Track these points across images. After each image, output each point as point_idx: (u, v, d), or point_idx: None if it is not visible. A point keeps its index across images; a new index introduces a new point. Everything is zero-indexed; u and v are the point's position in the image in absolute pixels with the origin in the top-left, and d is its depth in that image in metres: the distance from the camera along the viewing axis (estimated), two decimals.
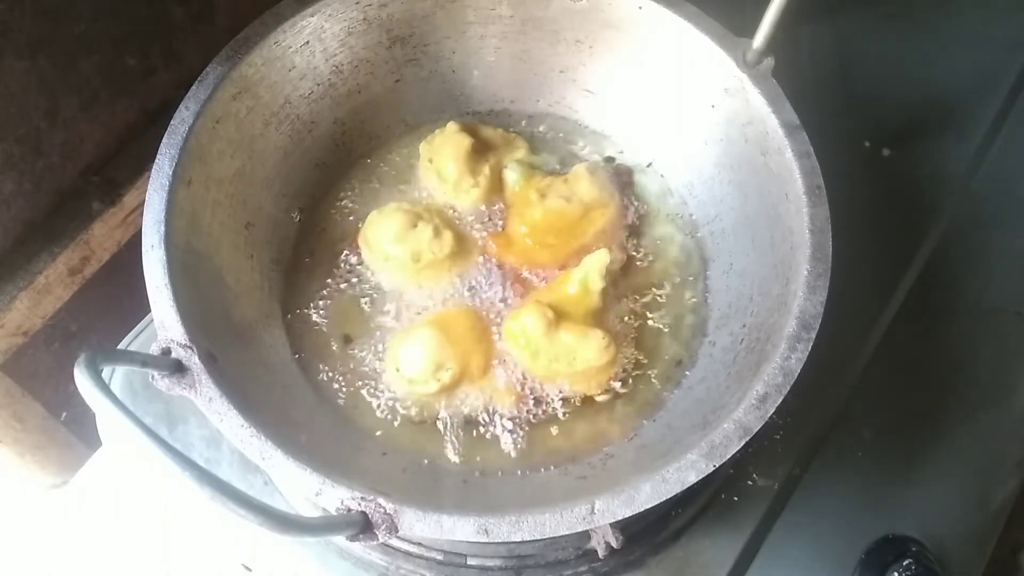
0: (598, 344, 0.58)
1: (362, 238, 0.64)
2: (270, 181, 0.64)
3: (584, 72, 0.70)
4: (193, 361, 0.49)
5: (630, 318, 0.64)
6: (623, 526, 0.55)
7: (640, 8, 0.64)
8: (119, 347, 0.70)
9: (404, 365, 0.59)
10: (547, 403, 0.60)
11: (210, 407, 0.48)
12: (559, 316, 0.59)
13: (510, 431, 0.59)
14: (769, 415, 0.49)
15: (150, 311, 0.50)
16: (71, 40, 0.61)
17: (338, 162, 0.69)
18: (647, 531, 0.65)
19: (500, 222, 0.67)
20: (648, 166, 0.70)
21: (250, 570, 0.65)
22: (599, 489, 0.47)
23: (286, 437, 0.49)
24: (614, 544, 0.56)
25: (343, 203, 0.68)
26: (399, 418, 0.60)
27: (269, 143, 0.63)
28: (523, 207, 0.66)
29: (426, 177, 0.68)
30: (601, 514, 0.46)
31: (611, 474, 0.54)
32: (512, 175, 0.67)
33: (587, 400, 0.61)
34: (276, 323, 0.62)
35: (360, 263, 0.65)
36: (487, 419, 0.60)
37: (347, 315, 0.64)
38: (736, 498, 0.68)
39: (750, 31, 0.60)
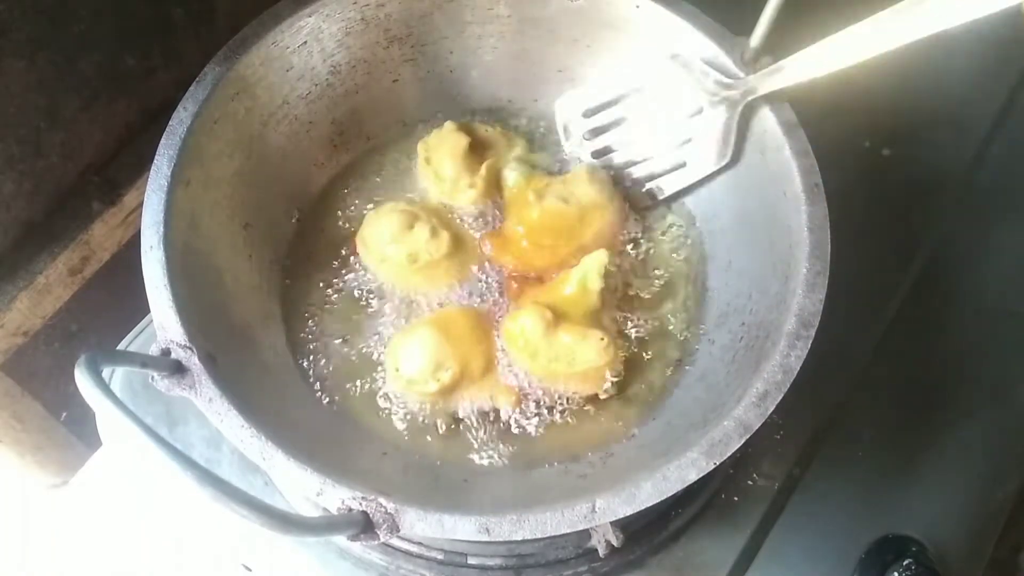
0: (597, 344, 0.58)
1: (359, 238, 0.64)
2: (268, 181, 0.64)
3: (582, 71, 0.70)
4: (193, 362, 0.49)
5: (629, 318, 0.64)
6: (623, 525, 0.56)
7: (638, 7, 0.64)
8: (119, 347, 0.70)
9: (403, 365, 0.59)
10: (547, 403, 0.60)
11: (210, 407, 0.48)
12: (558, 317, 0.59)
13: (510, 431, 0.59)
14: (769, 413, 0.49)
15: (150, 311, 0.50)
16: (71, 40, 0.62)
17: (336, 162, 0.69)
18: (647, 530, 0.65)
19: (498, 222, 0.67)
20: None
21: (250, 570, 0.65)
22: (600, 488, 0.47)
23: (286, 437, 0.49)
24: (615, 543, 0.57)
25: (341, 203, 0.68)
26: (399, 418, 0.60)
27: (267, 143, 0.64)
28: (520, 207, 0.66)
29: (423, 177, 0.68)
30: (602, 513, 0.46)
31: (612, 473, 0.54)
32: (512, 175, 0.67)
33: (587, 400, 0.61)
34: (275, 323, 0.62)
35: (358, 263, 0.65)
36: (487, 419, 0.60)
37: (346, 315, 0.64)
38: (736, 498, 0.68)
39: (748, 30, 0.60)
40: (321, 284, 0.65)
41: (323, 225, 0.67)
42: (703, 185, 0.66)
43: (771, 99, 0.60)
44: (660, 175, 0.67)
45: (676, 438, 0.53)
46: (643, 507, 0.46)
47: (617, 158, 0.68)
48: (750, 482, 0.69)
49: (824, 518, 0.69)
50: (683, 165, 0.66)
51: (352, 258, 0.65)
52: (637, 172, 0.68)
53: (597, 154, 0.68)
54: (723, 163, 0.63)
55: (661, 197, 0.68)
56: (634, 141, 0.67)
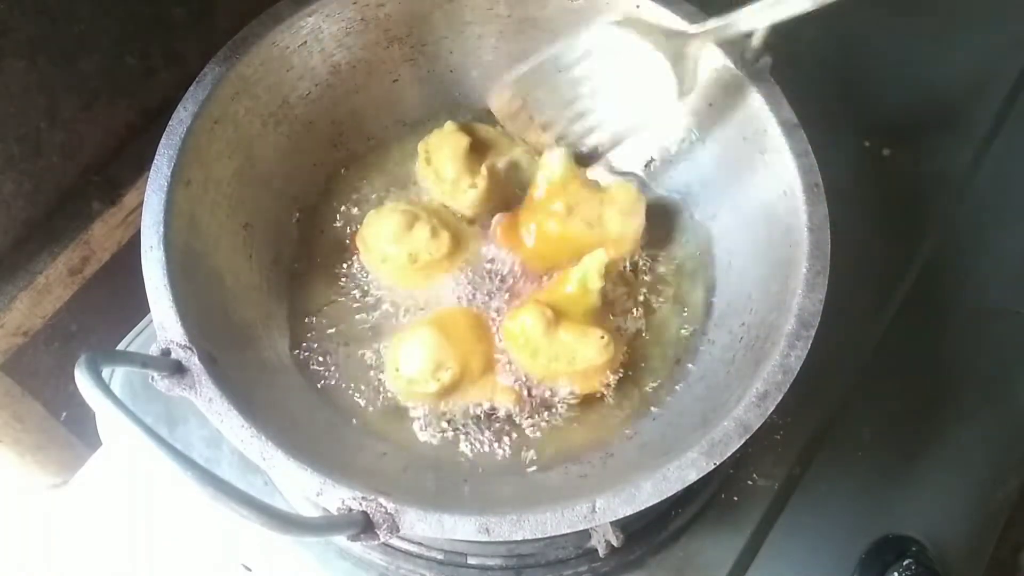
0: (597, 343, 0.58)
1: (359, 238, 0.64)
2: (268, 182, 0.64)
3: None
4: (193, 362, 0.49)
5: (629, 317, 0.64)
6: (623, 525, 0.55)
7: (638, 7, 0.64)
8: (119, 347, 0.70)
9: (403, 365, 0.59)
10: (547, 402, 0.60)
11: (210, 408, 0.48)
12: (558, 315, 0.59)
13: (510, 431, 0.59)
14: (769, 413, 0.49)
15: (150, 311, 0.50)
16: (71, 40, 0.62)
17: (336, 162, 0.69)
18: (647, 530, 0.65)
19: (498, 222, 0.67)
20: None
21: (250, 570, 0.65)
22: (600, 488, 0.47)
23: (286, 437, 0.49)
24: (615, 543, 0.57)
25: (341, 203, 0.68)
26: (399, 418, 0.60)
27: (267, 143, 0.63)
28: (544, 212, 0.64)
29: (424, 177, 0.68)
30: (602, 512, 0.46)
31: (612, 472, 0.54)
32: (554, 166, 0.63)
33: (587, 399, 0.61)
34: (275, 323, 0.62)
35: (359, 263, 0.65)
36: (487, 419, 0.60)
37: (346, 315, 0.64)
38: (736, 498, 0.68)
39: None
40: (321, 284, 0.65)
41: (323, 225, 0.67)
42: (703, 185, 0.67)
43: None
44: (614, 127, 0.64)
45: (676, 438, 0.53)
46: (643, 507, 0.46)
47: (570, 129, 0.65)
48: (750, 482, 0.69)
49: (824, 518, 0.69)
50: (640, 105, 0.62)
51: (352, 258, 0.65)
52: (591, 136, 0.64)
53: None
54: (684, 96, 0.60)
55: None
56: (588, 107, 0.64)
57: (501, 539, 0.46)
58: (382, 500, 0.45)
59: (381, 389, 0.61)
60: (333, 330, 0.63)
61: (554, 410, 0.60)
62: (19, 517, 0.80)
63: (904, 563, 0.65)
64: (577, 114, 0.65)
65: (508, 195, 0.67)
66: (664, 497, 0.47)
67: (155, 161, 0.55)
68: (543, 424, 0.60)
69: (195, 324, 0.51)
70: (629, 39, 0.60)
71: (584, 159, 0.66)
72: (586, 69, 0.63)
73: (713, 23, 0.59)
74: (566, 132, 0.66)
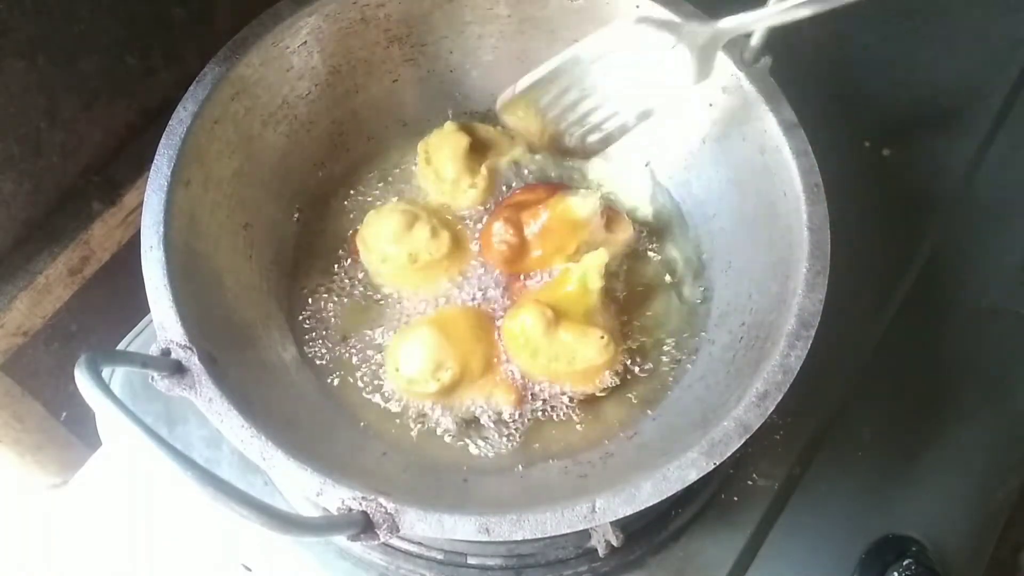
0: (597, 343, 0.58)
1: (359, 238, 0.64)
2: (268, 181, 0.64)
3: None
4: (193, 362, 0.49)
5: (629, 317, 0.64)
6: (623, 525, 0.55)
7: (637, 7, 0.64)
8: (119, 347, 0.70)
9: (404, 365, 0.59)
10: (547, 402, 0.60)
11: (210, 407, 0.48)
12: (558, 315, 0.59)
13: (510, 431, 0.59)
14: (769, 413, 0.49)
15: (150, 311, 0.50)
16: (71, 40, 0.62)
17: (336, 162, 0.69)
18: (647, 530, 0.65)
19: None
20: (646, 165, 0.70)
21: (250, 570, 0.65)
22: (600, 488, 0.47)
23: (286, 437, 0.49)
24: (614, 542, 0.57)
25: (341, 203, 0.69)
26: (399, 418, 0.60)
27: (267, 143, 0.63)
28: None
29: (424, 177, 0.68)
30: (602, 512, 0.46)
31: (612, 472, 0.54)
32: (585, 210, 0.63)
33: (587, 399, 0.61)
34: (275, 323, 0.62)
35: (359, 263, 0.65)
36: (487, 419, 0.60)
37: (346, 315, 0.64)
38: (736, 498, 0.68)
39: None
40: (321, 284, 0.65)
41: (323, 225, 0.67)
42: (703, 185, 0.66)
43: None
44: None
45: (676, 438, 0.53)
46: (643, 507, 0.47)
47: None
48: (750, 482, 0.69)
49: (824, 518, 0.69)
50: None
51: (352, 258, 0.65)
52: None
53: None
54: (699, 82, 0.59)
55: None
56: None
57: (501, 539, 0.46)
58: (382, 500, 0.45)
59: (381, 389, 0.61)
60: (333, 329, 0.63)
61: (554, 410, 0.60)
62: (19, 517, 0.80)
63: (904, 563, 0.65)
64: (589, 110, 0.64)
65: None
66: (664, 497, 0.47)
67: (155, 161, 0.55)
68: (543, 424, 0.60)
69: (195, 324, 0.51)
70: (649, 33, 0.59)
71: (588, 149, 0.66)
72: (601, 68, 0.62)
73: (728, 21, 0.58)
74: (575, 127, 0.65)
